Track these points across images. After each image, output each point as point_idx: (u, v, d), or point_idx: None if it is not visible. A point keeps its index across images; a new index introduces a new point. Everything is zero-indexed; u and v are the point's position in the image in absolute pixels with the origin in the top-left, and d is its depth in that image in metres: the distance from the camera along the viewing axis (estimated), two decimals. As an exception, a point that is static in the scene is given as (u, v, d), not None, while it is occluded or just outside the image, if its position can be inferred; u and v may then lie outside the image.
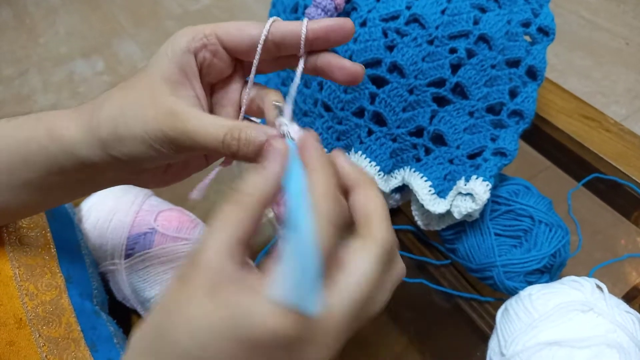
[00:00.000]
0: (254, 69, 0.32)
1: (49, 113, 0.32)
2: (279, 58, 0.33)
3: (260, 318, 0.21)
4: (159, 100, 0.29)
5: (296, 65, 0.33)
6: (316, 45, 0.31)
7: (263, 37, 0.30)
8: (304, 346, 0.23)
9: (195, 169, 0.37)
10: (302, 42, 0.31)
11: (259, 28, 0.31)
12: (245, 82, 0.34)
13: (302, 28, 0.30)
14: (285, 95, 0.33)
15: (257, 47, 0.31)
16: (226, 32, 0.31)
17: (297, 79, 0.31)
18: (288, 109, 0.30)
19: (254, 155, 0.29)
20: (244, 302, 0.22)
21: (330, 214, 0.24)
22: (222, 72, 0.33)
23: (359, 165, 0.30)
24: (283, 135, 0.29)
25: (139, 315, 0.51)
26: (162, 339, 0.23)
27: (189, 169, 0.37)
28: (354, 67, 0.31)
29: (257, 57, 0.31)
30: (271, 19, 0.31)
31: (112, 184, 0.35)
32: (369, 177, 0.28)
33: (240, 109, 0.34)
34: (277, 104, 0.31)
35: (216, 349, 0.22)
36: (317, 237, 0.23)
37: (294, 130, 0.29)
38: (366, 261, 0.25)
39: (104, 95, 0.31)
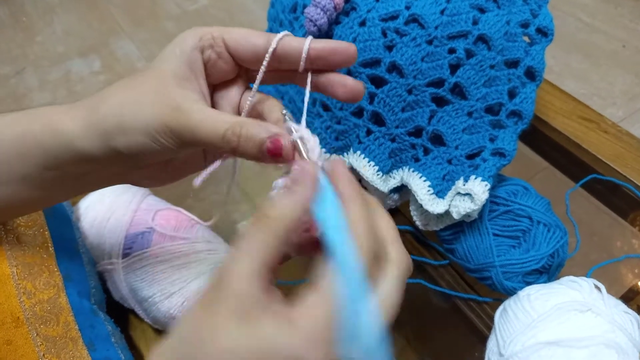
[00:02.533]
0: (259, 78, 0.32)
1: (45, 108, 0.32)
2: (279, 71, 0.33)
3: (288, 349, 0.21)
4: (165, 94, 0.29)
5: (295, 79, 0.33)
6: (317, 64, 0.32)
7: (271, 50, 0.31)
8: None
9: (192, 169, 0.37)
10: (304, 58, 0.31)
11: (263, 38, 0.31)
12: (247, 88, 0.35)
13: (305, 45, 0.31)
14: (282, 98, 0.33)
15: (264, 57, 0.31)
16: (232, 37, 0.32)
17: (306, 97, 0.32)
18: (303, 120, 0.30)
19: (254, 152, 0.29)
20: (271, 332, 0.22)
21: (371, 251, 0.24)
22: (225, 75, 0.33)
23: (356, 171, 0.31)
24: (290, 133, 0.29)
25: (136, 315, 0.50)
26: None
27: (186, 169, 0.37)
28: (356, 85, 0.32)
29: (262, 67, 0.31)
30: (282, 34, 0.31)
31: (110, 182, 0.35)
32: (373, 198, 0.28)
33: (239, 111, 0.35)
34: (285, 112, 0.31)
35: None
36: (362, 275, 0.23)
37: (306, 134, 0.29)
38: (391, 285, 0.25)
39: (104, 91, 0.31)
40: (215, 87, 0.35)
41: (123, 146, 0.29)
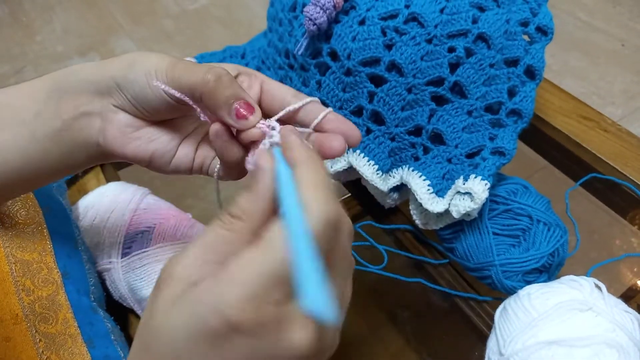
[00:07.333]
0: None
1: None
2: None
3: (213, 309, 0.21)
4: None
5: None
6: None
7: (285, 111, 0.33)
8: (271, 332, 0.22)
9: (184, 166, 0.36)
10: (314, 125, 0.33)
11: (297, 98, 0.33)
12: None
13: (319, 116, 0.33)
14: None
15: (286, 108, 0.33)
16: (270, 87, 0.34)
17: None
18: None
19: (223, 99, 0.30)
20: (200, 298, 0.22)
21: (321, 210, 0.23)
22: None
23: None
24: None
25: (136, 315, 0.50)
26: (145, 352, 0.24)
27: (179, 165, 0.36)
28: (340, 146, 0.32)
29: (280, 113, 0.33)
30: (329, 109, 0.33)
31: (99, 155, 0.35)
32: (313, 154, 0.28)
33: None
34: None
35: (188, 353, 0.22)
36: (313, 237, 0.22)
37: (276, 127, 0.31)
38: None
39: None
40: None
41: (126, 81, 0.32)
